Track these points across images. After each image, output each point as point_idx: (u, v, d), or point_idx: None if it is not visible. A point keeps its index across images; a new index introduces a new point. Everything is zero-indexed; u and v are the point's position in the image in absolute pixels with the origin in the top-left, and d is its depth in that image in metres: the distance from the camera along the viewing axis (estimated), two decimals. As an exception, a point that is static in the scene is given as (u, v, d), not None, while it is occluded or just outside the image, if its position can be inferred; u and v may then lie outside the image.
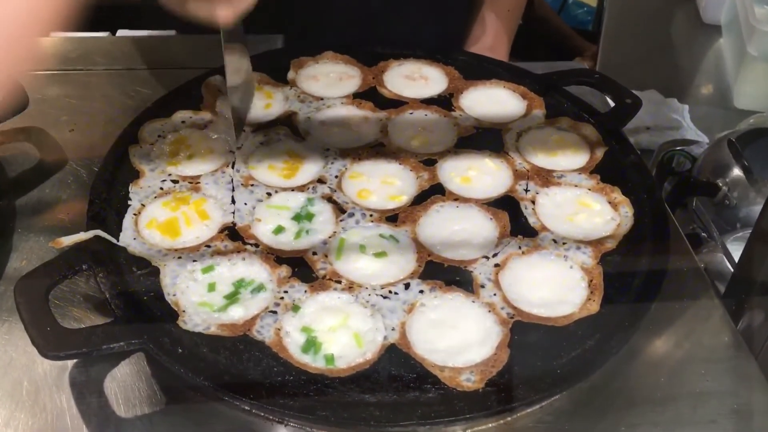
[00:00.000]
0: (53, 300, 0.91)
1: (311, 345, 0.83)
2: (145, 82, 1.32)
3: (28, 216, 1.06)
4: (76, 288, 0.95)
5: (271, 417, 0.81)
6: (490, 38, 1.53)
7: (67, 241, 0.90)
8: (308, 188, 1.03)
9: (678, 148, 1.47)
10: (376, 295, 0.89)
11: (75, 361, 0.87)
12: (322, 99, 1.19)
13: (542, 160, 1.10)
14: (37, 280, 0.85)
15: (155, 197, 0.99)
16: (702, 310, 0.98)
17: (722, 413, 0.86)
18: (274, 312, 0.87)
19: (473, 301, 0.89)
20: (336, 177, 1.05)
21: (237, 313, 0.86)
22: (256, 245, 0.94)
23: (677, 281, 0.98)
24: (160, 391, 0.85)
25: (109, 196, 0.99)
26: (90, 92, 1.30)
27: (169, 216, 0.97)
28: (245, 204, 1.00)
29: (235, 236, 0.95)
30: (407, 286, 0.90)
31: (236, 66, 1.10)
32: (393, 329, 0.85)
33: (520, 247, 0.96)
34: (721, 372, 0.91)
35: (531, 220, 1.00)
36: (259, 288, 0.89)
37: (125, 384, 0.86)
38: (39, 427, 0.82)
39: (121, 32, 1.47)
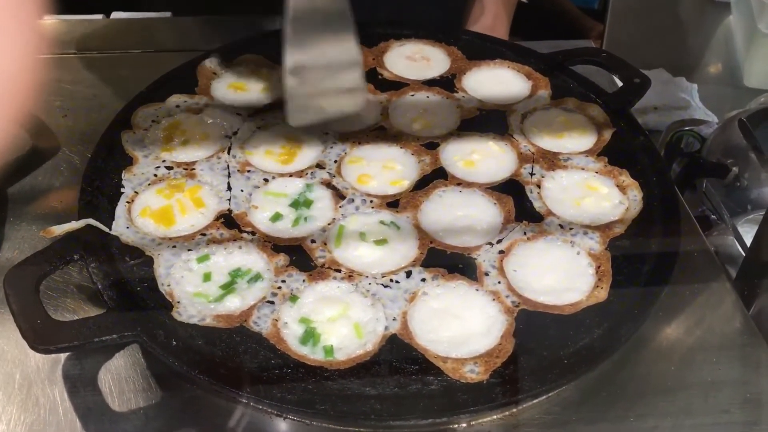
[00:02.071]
0: (46, 291, 0.89)
1: (310, 336, 0.81)
2: (140, 65, 1.30)
3: (21, 204, 1.04)
4: (70, 278, 0.93)
5: (269, 410, 0.79)
6: (490, 18, 1.49)
7: (59, 230, 0.88)
8: (306, 174, 1.00)
9: (687, 128, 1.43)
10: (377, 283, 0.86)
11: (68, 353, 0.85)
12: (320, 81, 1.16)
13: (548, 142, 1.07)
14: (27, 271, 0.83)
15: (149, 184, 0.97)
16: (713, 295, 0.96)
17: (735, 402, 0.84)
18: (272, 302, 0.84)
19: (477, 290, 0.87)
20: (335, 162, 1.02)
21: (233, 304, 0.84)
22: (253, 233, 0.92)
23: (687, 265, 0.95)
24: (155, 383, 0.84)
25: (101, 184, 0.96)
26: (83, 76, 1.27)
27: (163, 204, 0.94)
28: (241, 191, 0.97)
29: (231, 224, 0.93)
30: (409, 274, 0.88)
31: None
32: (394, 319, 0.83)
33: (525, 233, 0.93)
34: (734, 359, 0.89)
35: (536, 205, 0.98)
36: (256, 277, 0.87)
37: (120, 376, 0.84)
38: (31, 422, 0.80)
39: (115, 14, 1.44)
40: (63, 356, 0.85)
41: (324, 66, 0.98)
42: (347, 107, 1.03)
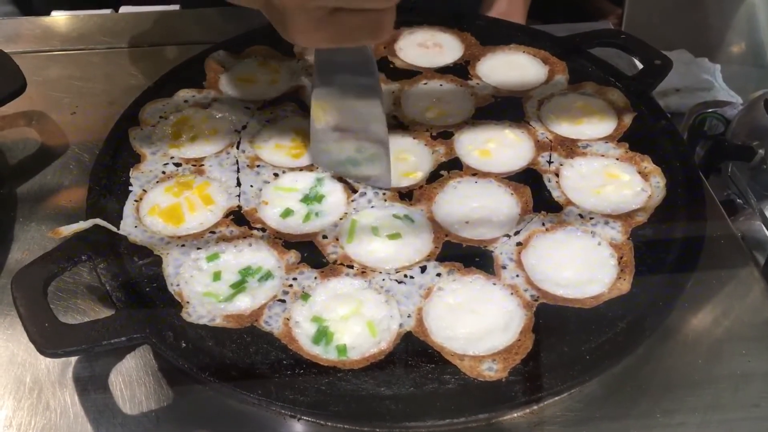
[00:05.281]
0: (56, 292, 0.89)
1: (322, 335, 0.79)
2: (149, 60, 1.29)
3: (30, 204, 1.03)
4: (80, 279, 0.92)
5: (282, 412, 0.77)
6: (505, 2, 1.46)
7: (66, 231, 0.86)
8: (317, 167, 0.98)
9: (710, 110, 1.40)
10: (391, 279, 0.84)
11: (78, 355, 0.84)
12: (331, 71, 1.13)
13: (566, 129, 1.04)
14: (34, 274, 0.82)
15: (157, 182, 0.95)
16: (741, 283, 0.93)
17: (765, 396, 0.81)
18: (283, 301, 0.82)
19: (494, 284, 0.84)
20: (346, 154, 1.00)
21: (244, 303, 0.82)
22: (263, 230, 0.90)
23: (713, 252, 0.92)
24: (167, 385, 0.82)
25: (109, 183, 0.95)
26: (92, 72, 1.26)
27: (171, 202, 0.92)
28: (251, 186, 0.95)
29: (240, 221, 0.91)
30: (423, 269, 0.85)
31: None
32: (409, 316, 0.81)
33: (543, 224, 0.91)
34: (764, 351, 0.86)
35: (555, 194, 0.95)
36: (267, 276, 0.85)
37: (131, 378, 0.83)
38: (42, 426, 0.79)
39: (123, 8, 1.43)
40: (73, 359, 0.84)
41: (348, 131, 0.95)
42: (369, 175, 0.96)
